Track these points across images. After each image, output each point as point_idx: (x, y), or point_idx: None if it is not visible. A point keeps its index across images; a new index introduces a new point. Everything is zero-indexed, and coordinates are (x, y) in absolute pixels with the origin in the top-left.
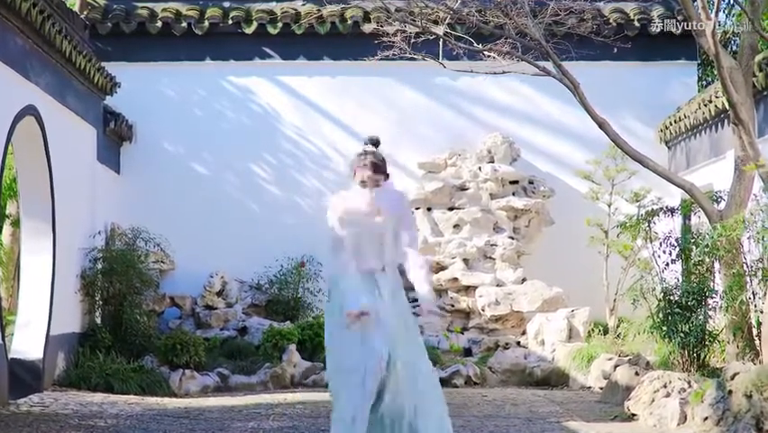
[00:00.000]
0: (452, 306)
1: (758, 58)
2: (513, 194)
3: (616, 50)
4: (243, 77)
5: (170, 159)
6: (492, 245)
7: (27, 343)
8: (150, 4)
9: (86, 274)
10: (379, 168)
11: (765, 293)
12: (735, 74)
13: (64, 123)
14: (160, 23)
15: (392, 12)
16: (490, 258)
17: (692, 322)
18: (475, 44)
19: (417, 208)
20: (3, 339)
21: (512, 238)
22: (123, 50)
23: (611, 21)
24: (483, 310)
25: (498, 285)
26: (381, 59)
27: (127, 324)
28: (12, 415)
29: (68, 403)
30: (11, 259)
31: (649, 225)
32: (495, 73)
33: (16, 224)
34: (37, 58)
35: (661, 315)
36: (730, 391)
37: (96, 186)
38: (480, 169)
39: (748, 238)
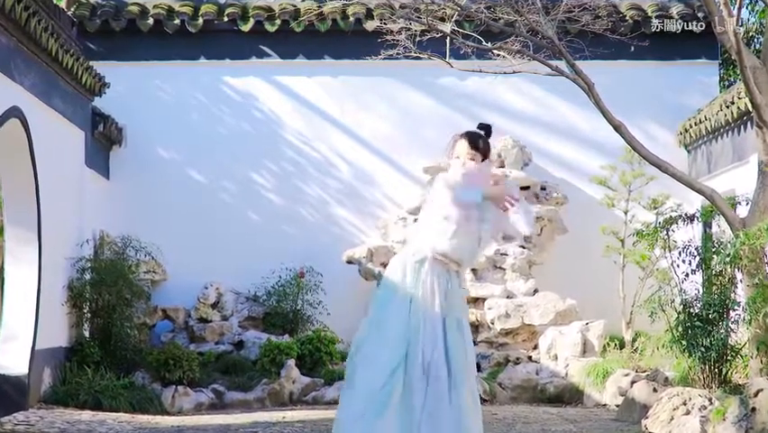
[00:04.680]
0: None
1: None
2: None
3: (633, 48)
4: (240, 76)
5: (162, 163)
6: (502, 255)
7: (12, 357)
8: (141, 1)
9: (73, 285)
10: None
11: None
12: (758, 74)
13: (50, 125)
14: (151, 21)
15: (396, 8)
16: (500, 268)
17: (713, 336)
18: (484, 43)
19: None
20: None
21: (523, 247)
22: (112, 48)
23: (628, 18)
24: (493, 323)
25: (508, 297)
26: (385, 58)
27: (117, 337)
28: None
29: (55, 421)
30: None
31: (667, 234)
32: (505, 73)
33: (0, 232)
34: (22, 57)
35: (680, 328)
36: (753, 409)
37: (84, 192)
38: None
39: None
